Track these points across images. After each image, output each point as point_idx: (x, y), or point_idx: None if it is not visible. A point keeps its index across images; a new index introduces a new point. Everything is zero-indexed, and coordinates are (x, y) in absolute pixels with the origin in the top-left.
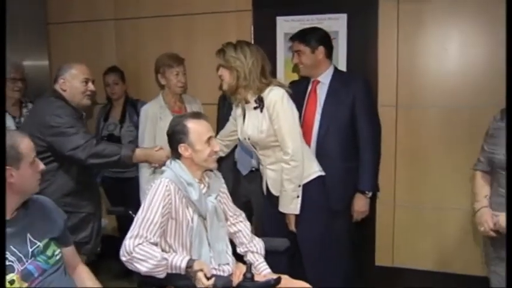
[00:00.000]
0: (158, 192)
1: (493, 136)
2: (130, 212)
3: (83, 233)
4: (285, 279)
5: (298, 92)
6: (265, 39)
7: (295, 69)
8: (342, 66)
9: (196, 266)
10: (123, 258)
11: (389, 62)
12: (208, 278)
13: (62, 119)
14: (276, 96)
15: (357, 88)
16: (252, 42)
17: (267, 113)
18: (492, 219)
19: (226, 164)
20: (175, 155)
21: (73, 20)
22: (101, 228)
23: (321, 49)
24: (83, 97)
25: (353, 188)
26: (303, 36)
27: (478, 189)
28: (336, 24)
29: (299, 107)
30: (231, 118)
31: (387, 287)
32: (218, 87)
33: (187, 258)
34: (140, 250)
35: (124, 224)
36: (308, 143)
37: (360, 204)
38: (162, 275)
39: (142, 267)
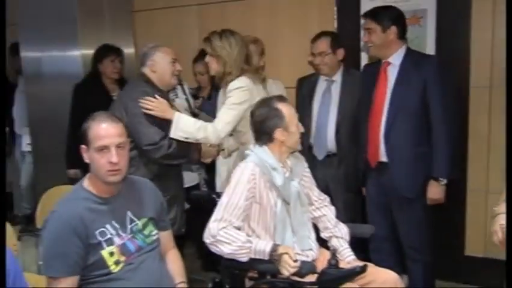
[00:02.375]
0: (243, 176)
1: None
2: (214, 196)
3: (168, 215)
4: (370, 267)
5: (371, 74)
6: (348, 19)
7: (365, 48)
8: (431, 47)
9: (281, 250)
10: (207, 241)
11: (483, 41)
12: (294, 261)
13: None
14: (235, 86)
15: (429, 70)
16: (335, 22)
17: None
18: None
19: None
20: (264, 140)
21: (157, 7)
22: (184, 210)
23: (393, 29)
24: (172, 77)
25: (425, 173)
26: (375, 14)
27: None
28: (424, 1)
29: (371, 89)
30: None
31: (478, 279)
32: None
33: (272, 243)
34: (225, 233)
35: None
36: (377, 126)
37: (433, 192)
38: (245, 259)
39: (226, 249)
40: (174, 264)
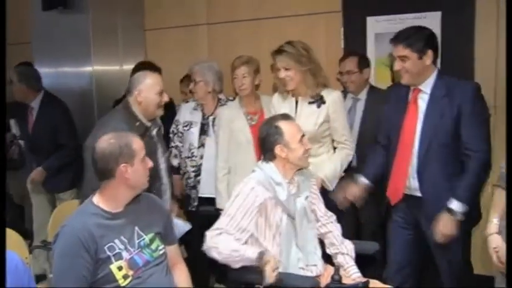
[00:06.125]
0: (246, 195)
1: None
2: (221, 212)
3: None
4: (374, 283)
5: (399, 99)
6: (355, 40)
7: (397, 76)
8: None
9: (266, 258)
10: (204, 248)
11: (487, 63)
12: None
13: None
14: (339, 98)
15: (463, 98)
16: (342, 43)
17: (325, 110)
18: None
19: None
20: (269, 157)
21: (168, 26)
22: None
23: (429, 53)
24: (157, 109)
25: None
26: (408, 39)
27: (492, 208)
28: (429, 23)
29: (399, 117)
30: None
31: None
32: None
33: (258, 250)
34: (217, 240)
35: None
36: (407, 159)
37: (443, 224)
38: (238, 265)
39: (217, 256)
40: (181, 277)
